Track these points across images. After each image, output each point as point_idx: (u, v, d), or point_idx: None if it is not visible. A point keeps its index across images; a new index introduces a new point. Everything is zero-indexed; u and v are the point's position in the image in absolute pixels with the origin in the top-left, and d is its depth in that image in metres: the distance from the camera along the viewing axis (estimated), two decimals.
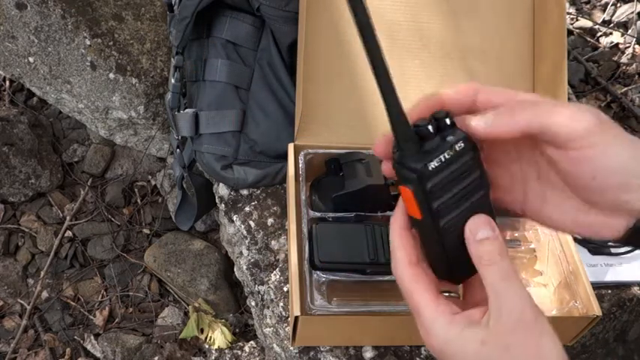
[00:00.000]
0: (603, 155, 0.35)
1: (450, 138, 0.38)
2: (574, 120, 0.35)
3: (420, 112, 0.40)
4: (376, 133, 0.79)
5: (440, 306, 0.39)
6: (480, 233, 0.39)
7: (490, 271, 0.38)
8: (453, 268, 0.41)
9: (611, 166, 0.35)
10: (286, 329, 0.74)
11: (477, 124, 0.38)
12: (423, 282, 0.40)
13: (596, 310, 0.64)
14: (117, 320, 1.22)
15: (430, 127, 0.38)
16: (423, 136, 0.39)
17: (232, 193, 0.88)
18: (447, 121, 0.39)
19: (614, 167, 0.35)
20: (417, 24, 0.82)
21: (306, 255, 0.66)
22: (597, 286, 0.79)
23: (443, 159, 0.38)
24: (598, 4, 1.50)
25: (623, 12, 1.44)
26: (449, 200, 0.39)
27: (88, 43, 0.99)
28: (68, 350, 1.18)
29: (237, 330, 1.15)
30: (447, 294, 0.43)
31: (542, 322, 0.37)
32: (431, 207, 0.38)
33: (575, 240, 0.79)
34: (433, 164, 0.38)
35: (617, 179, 0.36)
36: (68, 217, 1.30)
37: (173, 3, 0.83)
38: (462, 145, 0.38)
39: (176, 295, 1.24)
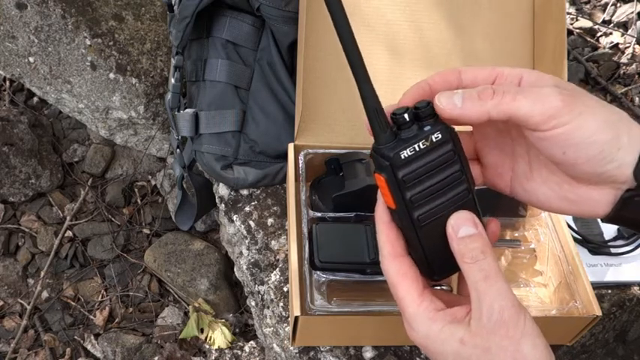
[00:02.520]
0: (569, 133, 0.36)
1: (427, 128, 0.38)
2: (537, 105, 0.36)
3: (409, 98, 0.40)
4: None
5: (424, 302, 0.39)
6: (462, 230, 0.39)
7: (472, 270, 0.38)
8: (431, 264, 0.41)
9: (578, 141, 0.36)
10: (286, 329, 0.74)
11: (447, 105, 0.38)
12: (408, 276, 0.40)
13: (596, 310, 0.64)
14: (117, 320, 1.22)
15: (406, 116, 0.38)
16: (400, 124, 0.38)
17: (232, 193, 0.88)
18: (426, 111, 0.38)
19: (582, 142, 0.36)
20: (417, 24, 0.82)
21: (306, 255, 0.66)
22: (597, 286, 0.79)
23: (417, 148, 0.38)
24: (598, 4, 1.50)
25: (623, 12, 1.44)
26: (424, 192, 0.38)
27: (88, 43, 0.99)
28: (68, 350, 1.18)
29: (237, 330, 1.15)
30: (438, 287, 0.43)
31: (524, 323, 0.36)
32: (404, 197, 0.38)
33: (575, 240, 0.79)
34: (406, 153, 0.37)
35: (588, 152, 0.36)
36: (68, 217, 1.30)
37: (173, 3, 0.83)
38: (439, 136, 0.38)
39: (176, 295, 1.24)
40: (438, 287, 0.43)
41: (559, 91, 0.36)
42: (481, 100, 0.37)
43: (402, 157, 0.37)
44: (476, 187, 0.41)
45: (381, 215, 0.41)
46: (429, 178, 0.38)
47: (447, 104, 0.38)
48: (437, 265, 0.41)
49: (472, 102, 0.37)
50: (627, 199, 0.37)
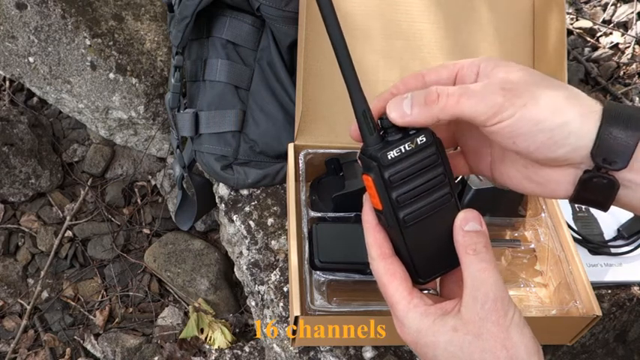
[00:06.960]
0: (513, 125, 0.37)
1: (412, 131, 0.40)
2: (480, 105, 0.37)
3: (375, 113, 0.41)
4: None
5: (414, 299, 0.40)
6: (469, 225, 0.40)
7: (473, 260, 0.39)
8: (416, 266, 0.42)
9: (524, 132, 0.37)
10: (286, 329, 0.74)
11: (397, 114, 0.39)
12: (397, 275, 0.41)
13: (596, 310, 0.64)
14: (117, 320, 1.22)
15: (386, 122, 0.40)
16: (386, 129, 0.40)
17: (232, 193, 0.88)
18: None
19: (528, 132, 0.37)
20: (416, 24, 0.82)
21: (306, 255, 0.66)
22: (597, 286, 0.79)
23: (403, 150, 0.39)
24: (598, 4, 1.50)
25: (623, 12, 1.44)
26: (409, 192, 0.40)
27: (88, 43, 0.99)
28: (68, 350, 1.18)
29: (237, 330, 1.15)
30: (425, 291, 0.43)
31: (513, 315, 0.38)
32: (390, 197, 0.39)
33: (575, 240, 0.79)
34: (392, 153, 0.39)
35: (536, 140, 0.37)
36: (68, 217, 1.30)
37: (173, 3, 0.83)
38: (424, 139, 0.39)
39: (176, 295, 1.24)
40: (425, 291, 0.44)
41: (502, 86, 0.37)
42: (427, 105, 0.39)
43: (389, 157, 0.39)
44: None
45: (368, 218, 0.42)
46: (414, 179, 0.40)
47: (396, 114, 0.39)
48: (421, 267, 0.42)
49: (420, 108, 0.39)
50: (586, 181, 0.39)
